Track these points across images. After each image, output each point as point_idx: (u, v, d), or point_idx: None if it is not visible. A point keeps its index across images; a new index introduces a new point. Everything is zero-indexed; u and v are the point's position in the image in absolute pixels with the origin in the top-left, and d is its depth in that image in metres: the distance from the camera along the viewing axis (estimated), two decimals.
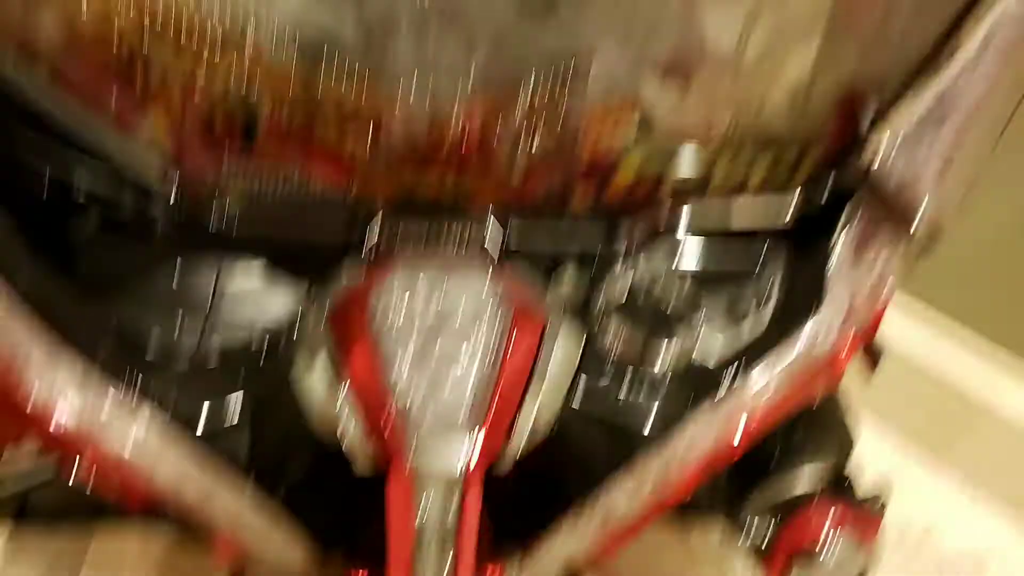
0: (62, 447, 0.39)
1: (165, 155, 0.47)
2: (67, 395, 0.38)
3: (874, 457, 0.78)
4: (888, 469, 0.76)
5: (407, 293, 0.41)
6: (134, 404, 0.38)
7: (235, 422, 0.40)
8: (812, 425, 0.53)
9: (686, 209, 0.50)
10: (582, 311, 0.46)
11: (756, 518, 0.48)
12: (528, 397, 0.40)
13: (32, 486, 0.57)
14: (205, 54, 0.45)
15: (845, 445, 0.55)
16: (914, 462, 0.77)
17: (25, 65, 0.43)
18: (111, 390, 0.39)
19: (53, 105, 0.44)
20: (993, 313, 0.75)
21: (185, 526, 0.42)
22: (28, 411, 0.38)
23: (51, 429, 0.38)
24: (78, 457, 0.39)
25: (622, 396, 0.43)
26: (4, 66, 0.41)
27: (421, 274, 0.42)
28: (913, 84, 0.45)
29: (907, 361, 0.76)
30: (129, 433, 0.38)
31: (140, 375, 0.39)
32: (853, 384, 0.53)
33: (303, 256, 0.50)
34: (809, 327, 0.45)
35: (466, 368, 0.40)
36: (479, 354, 0.40)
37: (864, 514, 0.48)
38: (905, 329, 0.76)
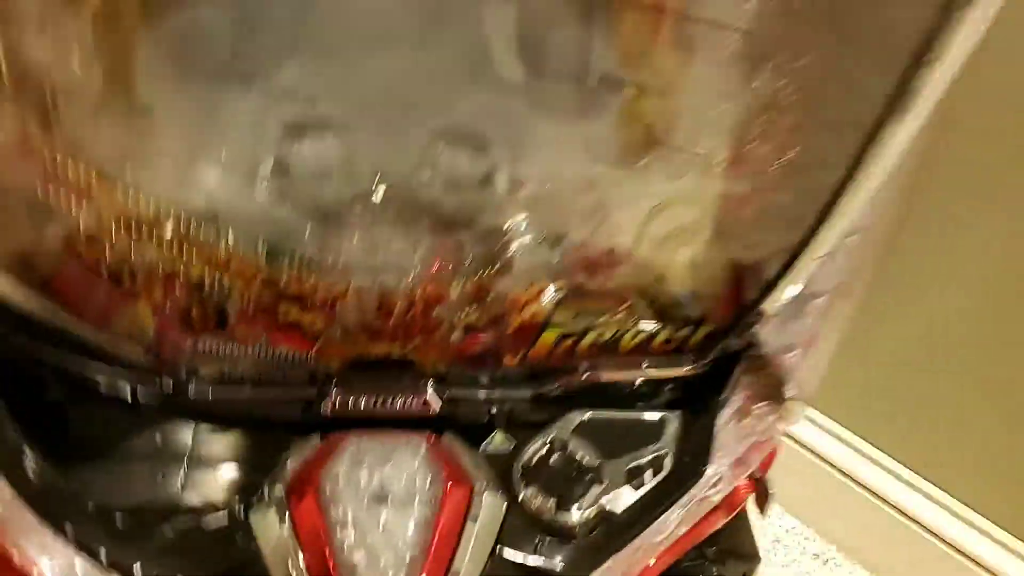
0: None
1: (147, 338, 0.55)
2: (47, 561, 0.45)
3: (798, 551, 0.86)
4: (812, 562, 0.85)
5: (352, 473, 0.49)
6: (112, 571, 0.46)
7: None
8: (720, 542, 0.60)
9: (598, 369, 0.58)
10: (506, 468, 0.54)
11: None
12: (458, 555, 0.47)
13: None
14: (183, 256, 0.53)
15: (750, 558, 0.62)
16: (835, 555, 0.84)
17: (21, 272, 0.50)
18: (85, 560, 0.46)
19: (43, 307, 0.51)
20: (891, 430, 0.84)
21: None
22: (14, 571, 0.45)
23: None
24: None
25: (542, 544, 0.51)
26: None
27: (366, 454, 0.50)
28: (783, 274, 0.53)
29: (831, 471, 0.84)
30: None
31: (112, 546, 0.47)
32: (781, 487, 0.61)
33: (268, 422, 0.58)
34: (704, 475, 0.53)
35: (404, 533, 0.47)
36: (412, 525, 0.48)
37: None
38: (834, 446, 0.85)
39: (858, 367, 0.80)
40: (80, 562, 0.45)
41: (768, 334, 0.55)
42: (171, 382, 0.55)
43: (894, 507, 0.82)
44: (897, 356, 0.80)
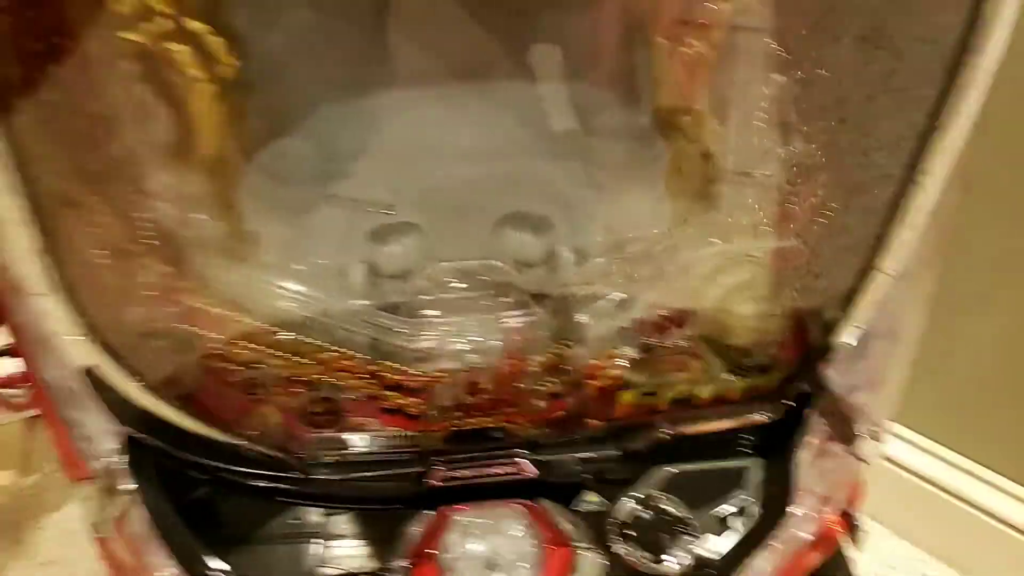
0: None
1: (275, 435, 0.63)
2: None
3: None
4: None
5: (463, 543, 0.55)
6: None
7: None
8: None
9: (678, 424, 0.62)
10: (600, 526, 0.59)
11: None
12: None
13: None
14: (299, 361, 0.61)
15: None
16: None
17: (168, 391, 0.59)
18: None
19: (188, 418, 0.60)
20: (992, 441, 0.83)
21: None
22: None
23: None
24: None
25: None
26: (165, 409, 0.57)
27: (473, 524, 0.56)
28: (840, 318, 0.56)
29: (925, 487, 0.84)
30: None
31: None
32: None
33: (381, 499, 0.64)
34: (789, 516, 0.56)
35: None
36: None
37: None
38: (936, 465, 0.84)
39: (951, 382, 0.81)
40: None
41: (834, 375, 0.58)
42: (298, 472, 0.63)
43: (1006, 523, 0.81)
44: (990, 366, 0.79)
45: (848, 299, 0.56)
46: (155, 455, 0.59)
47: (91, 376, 0.54)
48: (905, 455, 0.85)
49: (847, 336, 0.56)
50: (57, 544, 0.96)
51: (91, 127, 0.51)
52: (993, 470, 0.82)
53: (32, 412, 1.09)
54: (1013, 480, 0.81)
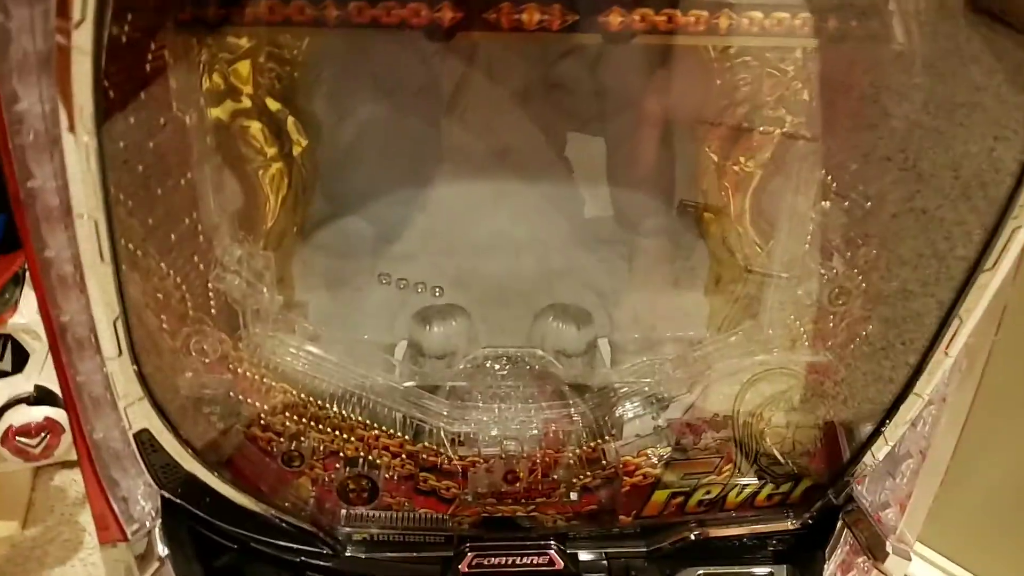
0: None
1: (308, 508, 0.64)
2: None
3: None
4: None
5: None
6: None
7: None
8: None
9: (707, 526, 0.63)
10: None
11: None
12: None
13: None
14: (340, 437, 0.62)
15: None
16: None
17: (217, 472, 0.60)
18: None
19: (233, 495, 0.61)
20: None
21: None
22: None
23: None
24: None
25: None
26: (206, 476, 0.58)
27: None
28: (873, 437, 0.58)
29: None
30: None
31: None
32: None
33: None
34: None
35: None
36: None
37: None
38: None
39: (970, 503, 0.82)
40: None
41: (865, 490, 0.59)
42: (329, 547, 0.63)
43: None
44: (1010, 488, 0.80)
45: (882, 417, 0.57)
46: (189, 521, 0.60)
47: (140, 439, 0.55)
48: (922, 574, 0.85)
49: (879, 453, 0.58)
50: None
51: (170, 194, 0.53)
52: None
53: (42, 462, 1.09)
54: None
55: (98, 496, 0.59)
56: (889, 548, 0.56)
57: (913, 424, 0.56)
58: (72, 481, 1.13)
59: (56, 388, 0.97)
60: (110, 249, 0.47)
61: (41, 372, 0.99)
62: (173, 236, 0.55)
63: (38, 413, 0.96)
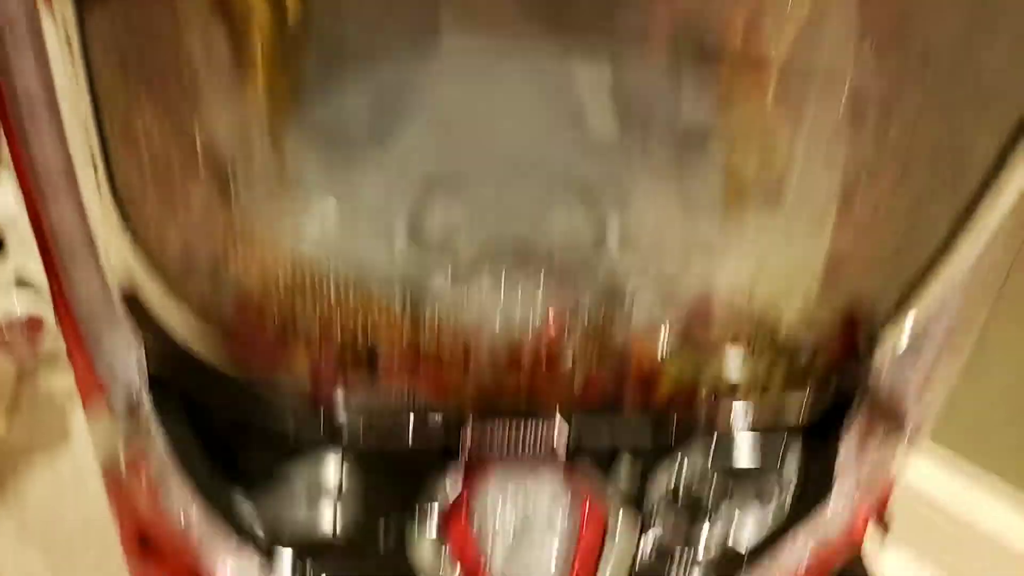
0: None
1: (305, 385, 0.61)
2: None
3: None
4: None
5: (499, 495, 0.53)
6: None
7: None
8: None
9: (719, 409, 0.61)
10: (635, 501, 0.57)
11: None
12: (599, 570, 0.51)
13: None
14: (336, 312, 0.59)
15: None
16: None
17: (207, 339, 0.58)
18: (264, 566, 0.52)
19: (222, 364, 0.58)
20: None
21: None
22: None
23: None
24: None
25: (671, 573, 0.54)
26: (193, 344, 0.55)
27: (509, 479, 0.54)
28: (897, 312, 0.56)
29: (941, 508, 0.83)
30: None
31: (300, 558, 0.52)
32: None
33: (411, 458, 0.63)
34: (825, 510, 0.55)
35: (548, 555, 0.51)
36: (557, 545, 0.52)
37: None
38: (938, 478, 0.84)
39: (978, 397, 0.80)
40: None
41: (884, 370, 0.57)
42: (327, 424, 0.61)
43: None
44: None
45: (906, 297, 0.55)
46: (180, 389, 0.57)
47: (127, 293, 0.52)
48: (930, 474, 0.84)
49: (900, 334, 0.56)
50: (45, 493, 0.93)
51: (157, 31, 0.50)
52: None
53: (26, 359, 1.06)
54: None
55: (82, 364, 0.56)
56: (907, 428, 0.54)
57: (940, 304, 0.54)
58: (57, 381, 1.10)
59: (37, 279, 0.94)
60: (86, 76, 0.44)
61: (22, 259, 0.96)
62: (159, 74, 0.52)
63: (19, 307, 0.94)
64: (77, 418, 1.05)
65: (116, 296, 0.52)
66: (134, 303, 0.53)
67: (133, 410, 0.54)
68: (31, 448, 0.99)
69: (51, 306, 0.92)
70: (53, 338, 0.94)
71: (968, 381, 0.77)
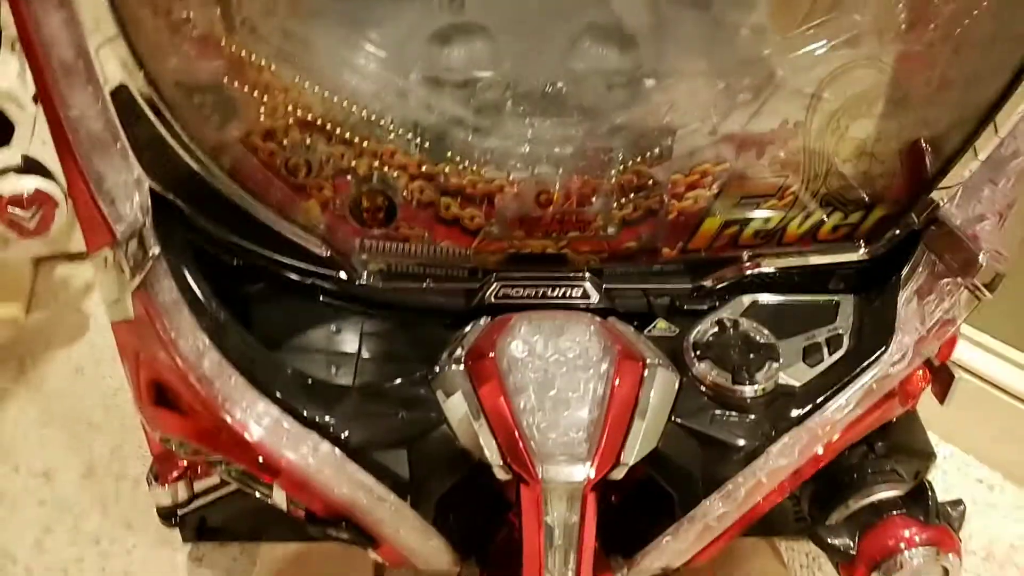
0: (261, 467, 0.49)
1: (320, 232, 0.57)
2: (265, 424, 0.48)
3: (959, 476, 0.82)
4: (975, 488, 0.80)
5: (528, 343, 0.49)
6: (316, 430, 0.48)
7: (394, 444, 0.49)
8: (892, 437, 0.57)
9: (762, 258, 0.57)
10: (674, 349, 0.53)
11: (839, 530, 0.53)
12: (634, 424, 0.47)
13: (210, 509, 0.68)
14: (350, 150, 0.55)
15: (923, 456, 0.59)
16: (1000, 481, 0.80)
17: (214, 163, 0.54)
18: (292, 419, 0.49)
19: (232, 191, 0.54)
20: None
21: (354, 540, 0.51)
22: (237, 438, 0.48)
23: (254, 451, 0.48)
24: (274, 476, 0.49)
25: (717, 418, 0.50)
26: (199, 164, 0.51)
27: (539, 327, 0.50)
28: (966, 146, 0.50)
29: (992, 390, 0.79)
30: (314, 453, 0.48)
31: (313, 407, 0.49)
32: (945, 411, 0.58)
33: (433, 310, 0.59)
34: (884, 356, 0.51)
35: (580, 404, 0.48)
36: (591, 392, 0.48)
37: (943, 524, 0.53)
38: (992, 362, 0.80)
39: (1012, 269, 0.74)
40: (288, 420, 0.47)
41: (953, 207, 0.52)
42: (343, 273, 0.58)
43: None
44: None
45: (981, 120, 0.49)
46: (185, 224, 0.53)
47: (120, 99, 0.48)
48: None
49: (976, 161, 0.50)
50: (64, 377, 0.92)
51: None
52: None
53: (38, 240, 1.04)
54: None
55: (82, 194, 0.52)
56: (982, 261, 0.49)
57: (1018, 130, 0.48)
58: (74, 273, 1.08)
59: (46, 160, 0.90)
60: None
61: (29, 144, 0.92)
62: None
63: (29, 184, 0.90)
64: (94, 305, 1.03)
65: (114, 117, 0.48)
66: (127, 107, 0.48)
67: (138, 241, 0.50)
68: (49, 335, 0.98)
69: (62, 187, 0.89)
70: (67, 221, 0.91)
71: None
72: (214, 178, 0.52)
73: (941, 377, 0.55)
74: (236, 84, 0.51)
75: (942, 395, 0.55)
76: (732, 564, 0.68)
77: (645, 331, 0.56)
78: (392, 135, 0.55)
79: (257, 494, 0.55)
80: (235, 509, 0.68)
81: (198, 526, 0.69)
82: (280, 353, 0.58)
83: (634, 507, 0.55)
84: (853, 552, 0.52)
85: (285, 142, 0.54)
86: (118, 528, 0.74)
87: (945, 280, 0.51)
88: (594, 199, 0.58)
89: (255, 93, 0.52)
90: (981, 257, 0.49)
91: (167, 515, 0.65)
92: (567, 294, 0.58)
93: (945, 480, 0.81)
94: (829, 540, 0.52)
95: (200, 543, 0.71)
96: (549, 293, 0.58)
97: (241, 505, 0.67)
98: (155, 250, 0.50)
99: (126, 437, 0.83)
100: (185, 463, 0.64)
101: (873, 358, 0.50)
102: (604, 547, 0.57)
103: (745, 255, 0.57)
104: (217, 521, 0.70)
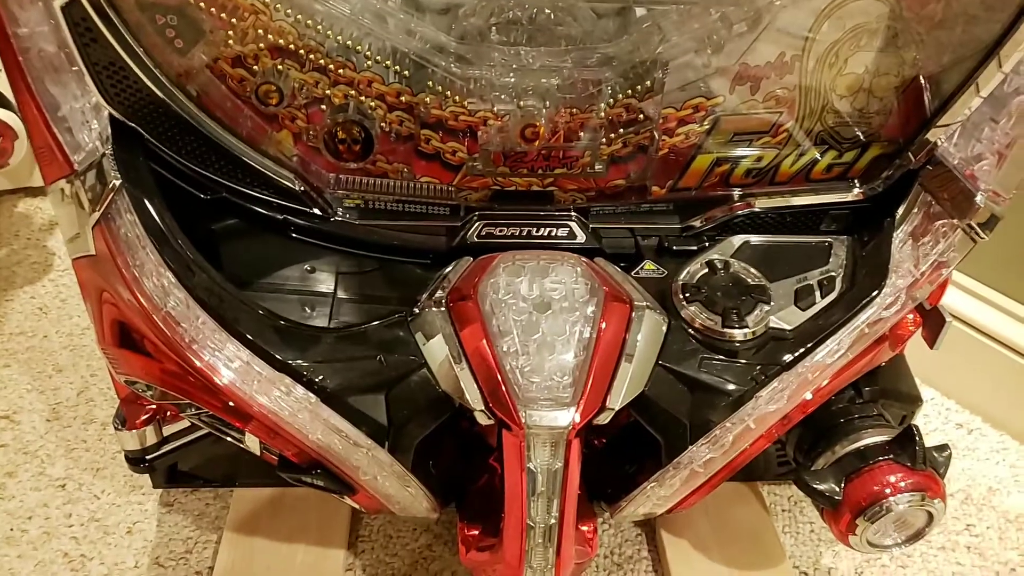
0: (231, 412, 0.47)
1: (292, 165, 0.54)
2: (235, 368, 0.46)
3: (940, 421, 0.82)
4: (955, 432, 0.80)
5: (512, 284, 0.47)
6: (289, 373, 0.46)
7: (372, 388, 0.47)
8: (879, 382, 0.57)
9: (753, 198, 0.55)
10: (662, 291, 0.52)
11: (824, 475, 0.53)
12: (620, 368, 0.46)
13: (181, 454, 0.66)
14: (326, 80, 0.52)
15: (910, 401, 0.59)
16: (980, 424, 0.80)
17: (179, 89, 0.50)
18: (263, 363, 0.47)
19: (200, 120, 0.51)
20: None
21: (328, 487, 0.49)
22: (205, 382, 0.46)
23: (223, 395, 0.46)
24: (245, 422, 0.47)
25: (706, 361, 0.49)
26: (163, 90, 0.48)
27: (524, 267, 0.48)
28: (968, 82, 0.48)
29: (975, 335, 0.78)
30: (286, 397, 0.46)
31: (285, 350, 0.47)
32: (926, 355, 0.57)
33: (412, 249, 0.57)
34: (877, 299, 0.50)
35: (565, 347, 0.46)
36: (576, 335, 0.46)
37: (928, 470, 0.52)
38: (975, 307, 0.79)
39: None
40: (259, 363, 0.45)
41: (951, 146, 0.50)
42: (317, 206, 0.55)
43: None
44: None
45: (987, 53, 0.47)
46: (150, 155, 0.50)
47: (72, 18, 0.44)
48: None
49: (977, 98, 0.48)
50: (27, 317, 0.88)
51: None
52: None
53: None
54: None
55: (36, 121, 0.48)
56: (980, 201, 0.47)
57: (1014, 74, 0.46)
58: (37, 208, 1.04)
59: (5, 88, 0.85)
60: None
61: None
62: None
63: None
64: (58, 242, 0.99)
65: (67, 37, 0.45)
66: (80, 26, 0.45)
67: (97, 172, 0.47)
68: (11, 273, 0.94)
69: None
70: (26, 156, 0.87)
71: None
72: (180, 106, 0.49)
73: (932, 321, 0.53)
74: (202, 4, 0.48)
75: (932, 339, 0.54)
76: (716, 510, 0.67)
77: (633, 272, 0.54)
78: (369, 62, 0.52)
79: (228, 439, 0.53)
80: (208, 454, 0.66)
81: (169, 472, 0.67)
82: (252, 292, 0.56)
83: (618, 452, 0.54)
84: (838, 498, 0.52)
85: (255, 68, 0.51)
86: (85, 474, 0.72)
87: (941, 221, 0.50)
88: (582, 134, 0.55)
89: (223, 15, 0.49)
90: (978, 197, 0.47)
91: (136, 460, 0.63)
92: (552, 233, 0.56)
93: (926, 424, 0.81)
94: (814, 485, 0.52)
95: (171, 489, 0.70)
96: (534, 232, 0.56)
97: (214, 450, 0.65)
98: (116, 182, 0.47)
99: (93, 379, 0.80)
100: (154, 406, 0.62)
101: (866, 301, 0.49)
102: (587, 493, 0.56)
103: (736, 194, 0.56)
104: (189, 466, 0.68)
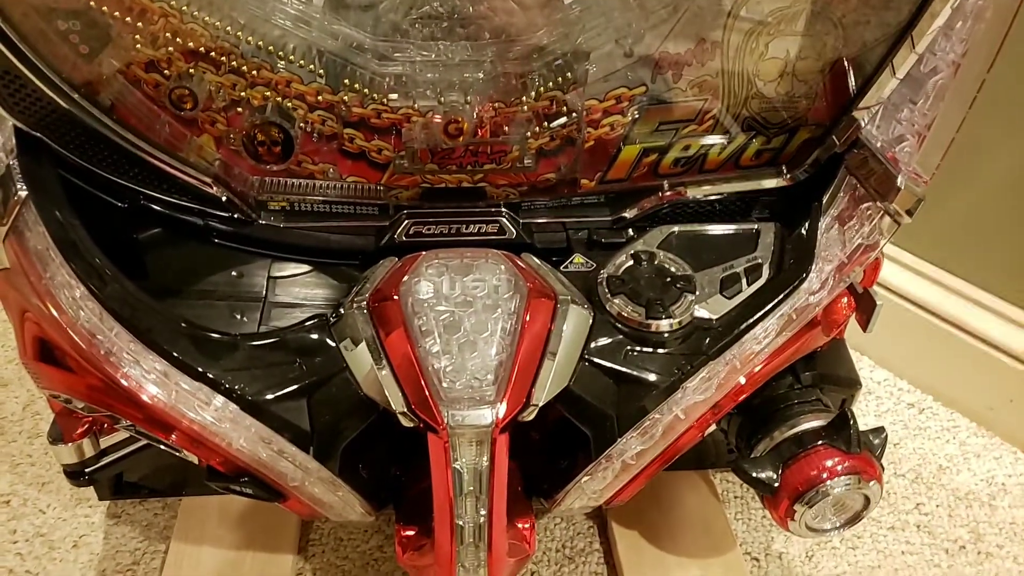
0: (154, 424, 0.46)
1: (213, 170, 0.53)
2: (153, 379, 0.45)
3: (891, 402, 0.82)
4: (906, 412, 0.81)
5: (434, 284, 0.47)
6: (207, 383, 0.45)
7: (293, 394, 0.46)
8: (818, 367, 0.56)
9: (682, 187, 0.54)
10: (590, 284, 0.51)
11: (762, 462, 0.53)
12: (544, 364, 0.45)
13: (124, 465, 0.65)
14: (243, 82, 0.51)
15: (849, 384, 0.59)
16: (931, 403, 0.80)
17: (87, 97, 0.49)
18: (181, 373, 0.46)
19: (110, 129, 0.50)
20: (992, 266, 0.77)
21: (257, 495, 0.49)
22: (125, 394, 0.45)
23: (144, 408, 0.45)
24: (168, 433, 0.47)
25: (631, 353, 0.48)
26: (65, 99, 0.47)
27: (446, 266, 0.48)
28: (883, 64, 0.48)
29: (925, 315, 0.79)
30: (206, 407, 0.45)
31: (202, 360, 0.46)
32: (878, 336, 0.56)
33: (340, 251, 0.56)
34: (803, 285, 0.50)
35: (488, 345, 0.45)
36: (499, 332, 0.46)
37: (864, 452, 0.52)
38: (918, 283, 0.79)
39: (946, 194, 0.73)
40: (176, 374, 0.44)
41: (874, 128, 0.50)
42: (239, 210, 0.54)
43: (995, 347, 0.76)
44: (994, 179, 0.72)
45: (902, 32, 0.47)
46: (60, 164, 0.49)
47: None
48: (887, 274, 0.79)
49: (894, 80, 0.48)
50: None
51: None
52: (987, 291, 0.76)
53: None
54: (1006, 301, 0.76)
55: None
56: (900, 183, 0.47)
57: (946, 31, 0.46)
58: None
59: None
60: None
61: None
62: None
63: None
64: None
65: None
66: None
67: (1, 184, 0.46)
68: None
69: None
70: None
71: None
72: (85, 114, 0.47)
73: (864, 304, 0.53)
74: (105, 8, 0.47)
75: (865, 322, 0.53)
76: (668, 500, 0.67)
77: (562, 267, 0.54)
78: (283, 63, 0.51)
79: (162, 448, 0.53)
80: (154, 463, 0.65)
81: (115, 483, 0.66)
82: (181, 301, 0.55)
83: (553, 447, 0.54)
84: (776, 484, 0.52)
85: (167, 72, 0.50)
86: (31, 488, 0.71)
87: (866, 204, 0.50)
88: (508, 128, 0.54)
89: (128, 19, 0.47)
90: (899, 179, 0.47)
91: (75, 474, 0.62)
92: (482, 230, 0.56)
93: (878, 405, 0.81)
94: (752, 474, 0.51)
95: (118, 500, 0.69)
96: (464, 230, 0.56)
97: (160, 459, 0.64)
98: (21, 193, 0.46)
99: (39, 393, 0.79)
100: (90, 418, 0.61)
101: (792, 287, 0.49)
102: (527, 489, 0.56)
103: (666, 184, 0.55)
104: (136, 477, 0.67)
